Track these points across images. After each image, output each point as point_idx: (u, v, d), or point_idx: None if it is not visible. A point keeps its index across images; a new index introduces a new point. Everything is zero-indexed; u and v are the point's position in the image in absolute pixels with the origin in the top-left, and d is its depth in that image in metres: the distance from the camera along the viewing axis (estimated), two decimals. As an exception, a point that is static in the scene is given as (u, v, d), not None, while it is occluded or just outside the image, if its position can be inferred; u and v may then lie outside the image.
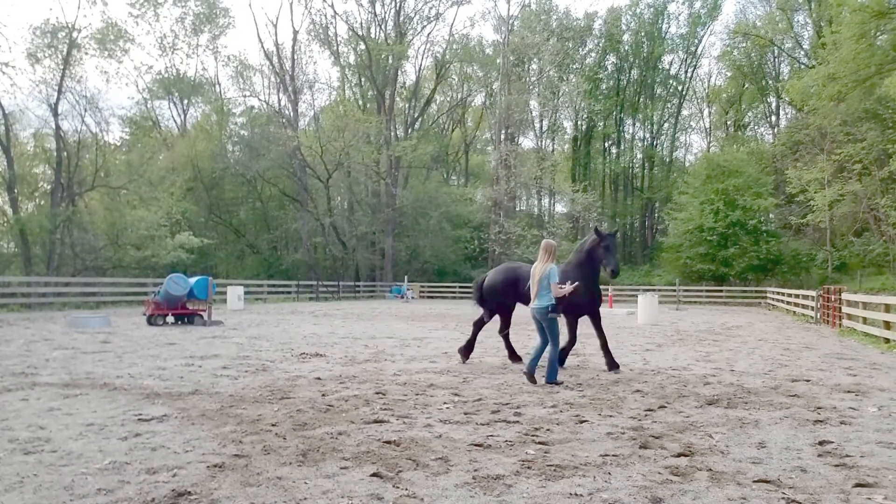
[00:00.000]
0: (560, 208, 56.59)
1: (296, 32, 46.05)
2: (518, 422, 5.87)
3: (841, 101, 30.86)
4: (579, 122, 57.66)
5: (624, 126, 58.13)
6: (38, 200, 35.07)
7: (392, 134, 47.79)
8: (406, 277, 42.14)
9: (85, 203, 33.42)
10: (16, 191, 31.04)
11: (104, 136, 37.19)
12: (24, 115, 33.91)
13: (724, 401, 6.96)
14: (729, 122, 56.52)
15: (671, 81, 57.23)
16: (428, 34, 58.33)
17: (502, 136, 49.02)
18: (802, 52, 47.57)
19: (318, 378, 8.27)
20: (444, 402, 6.73)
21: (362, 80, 51.14)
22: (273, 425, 5.61)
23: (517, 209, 53.70)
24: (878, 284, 28.35)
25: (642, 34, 55.62)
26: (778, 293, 29.96)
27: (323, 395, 7.11)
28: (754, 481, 4.18)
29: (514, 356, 9.94)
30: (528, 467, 4.44)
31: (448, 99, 56.90)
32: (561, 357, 9.06)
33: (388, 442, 5.07)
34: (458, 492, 3.93)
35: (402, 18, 47.24)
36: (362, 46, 47.14)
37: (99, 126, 35.53)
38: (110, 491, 3.88)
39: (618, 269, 8.90)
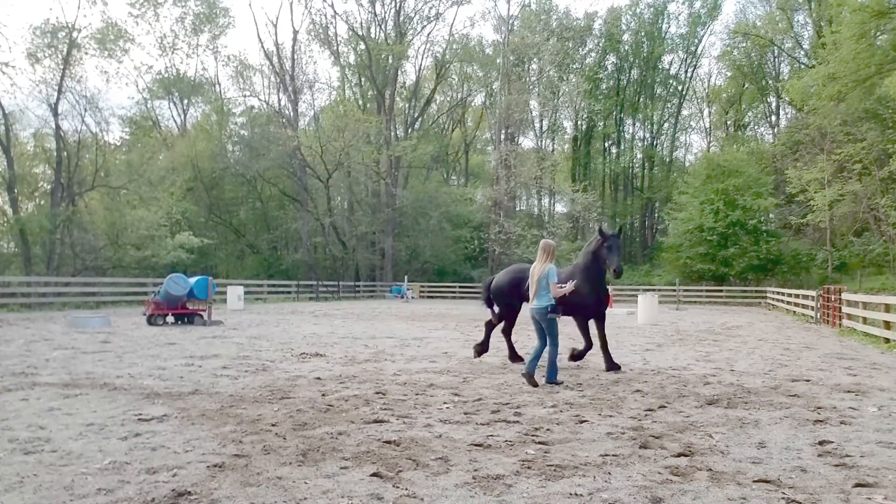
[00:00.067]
0: (560, 208, 56.68)
1: (296, 32, 46.11)
2: (518, 422, 5.87)
3: (841, 100, 30.86)
4: (579, 122, 57.68)
5: (624, 126, 58.15)
6: (38, 200, 35.07)
7: (392, 134, 47.79)
8: (406, 277, 42.15)
9: (85, 203, 33.42)
10: (16, 191, 31.04)
11: (104, 135, 37.27)
12: (24, 115, 33.98)
13: (724, 401, 6.96)
14: (729, 122, 56.53)
15: (671, 81, 57.25)
16: (428, 34, 58.44)
17: (502, 136, 49.03)
18: (802, 52, 47.59)
19: (318, 378, 8.27)
20: (444, 402, 6.73)
21: (362, 79, 51.15)
22: (273, 425, 5.61)
23: (517, 209, 53.71)
24: (878, 284, 28.36)
25: (642, 34, 55.63)
26: (778, 293, 29.96)
27: (323, 395, 7.11)
28: (754, 481, 4.18)
29: (514, 356, 9.94)
30: (528, 467, 4.44)
31: (448, 99, 56.92)
32: (577, 355, 9.28)
33: (388, 442, 5.07)
34: (458, 492, 3.93)
35: (402, 18, 47.25)
36: (362, 46, 47.16)
37: (99, 126, 35.61)
38: (110, 491, 3.88)
39: (621, 268, 8.90)
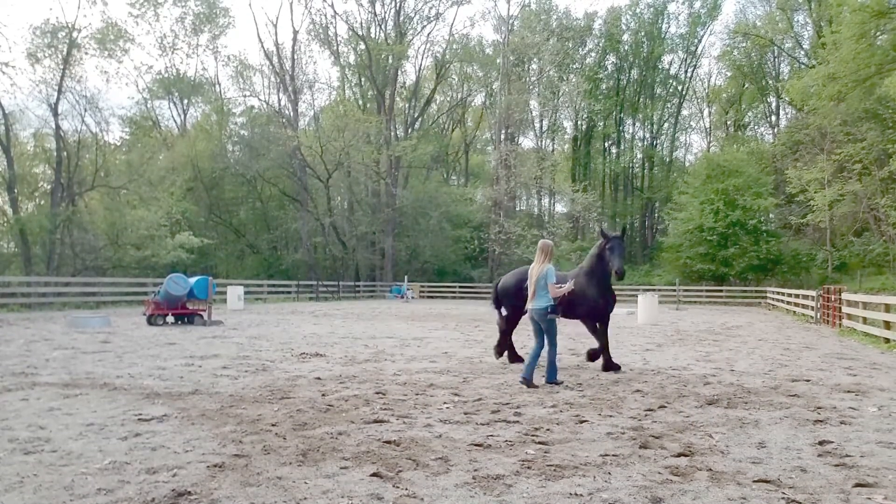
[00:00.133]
0: (560, 208, 56.71)
1: (296, 32, 46.11)
2: (518, 422, 5.87)
3: (841, 100, 30.85)
4: (579, 122, 57.69)
5: (624, 126, 58.16)
6: (38, 200, 35.07)
7: (392, 134, 47.79)
8: (406, 277, 42.14)
9: (85, 203, 33.42)
10: (16, 191, 31.04)
11: (104, 135, 37.28)
12: (24, 115, 33.97)
13: (724, 401, 6.96)
14: (729, 122, 56.54)
15: (671, 81, 57.24)
16: (428, 34, 58.45)
17: (502, 136, 49.03)
18: (802, 52, 47.58)
19: (318, 378, 8.27)
20: (444, 402, 6.73)
21: (362, 79, 51.15)
22: (273, 425, 5.61)
23: (517, 209, 53.71)
24: (878, 284, 28.36)
25: (642, 34, 55.62)
26: (778, 293, 29.96)
27: (323, 394, 7.11)
28: (754, 481, 4.18)
29: (514, 356, 9.95)
30: (528, 467, 4.44)
31: (448, 99, 56.92)
32: (597, 354, 9.28)
33: (388, 442, 5.07)
34: (458, 492, 3.93)
35: (402, 18, 47.25)
36: (362, 46, 47.15)
37: (99, 126, 35.62)
38: (110, 491, 3.88)
39: (623, 270, 8.89)
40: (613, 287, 9.60)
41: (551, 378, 7.91)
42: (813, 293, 21.55)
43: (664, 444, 5.12)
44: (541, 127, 56.87)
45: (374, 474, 4.22)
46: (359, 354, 10.88)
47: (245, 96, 50.60)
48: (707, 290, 36.52)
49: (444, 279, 46.12)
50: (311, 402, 6.63)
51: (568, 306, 9.27)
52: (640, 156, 58.43)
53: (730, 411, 6.43)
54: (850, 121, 32.84)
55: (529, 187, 52.94)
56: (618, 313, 23.84)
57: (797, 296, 25.02)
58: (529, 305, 7.98)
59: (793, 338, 15.13)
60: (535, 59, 50.72)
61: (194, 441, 5.05)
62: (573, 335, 13.73)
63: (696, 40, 55.55)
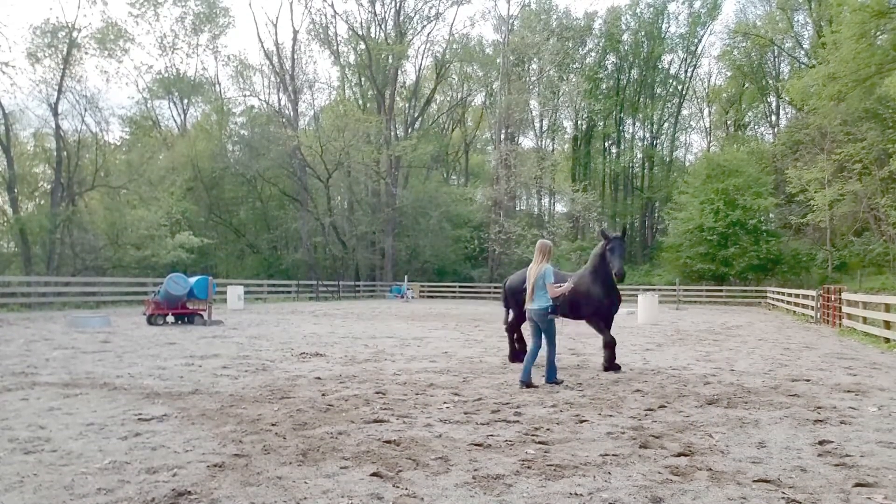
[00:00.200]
0: (560, 208, 56.71)
1: (296, 32, 46.10)
2: (518, 421, 5.87)
3: (841, 100, 30.85)
4: (579, 122, 57.68)
5: (624, 126, 58.15)
6: (38, 200, 35.06)
7: (392, 134, 47.79)
8: (406, 277, 42.15)
9: (85, 203, 33.42)
10: (16, 190, 31.03)
11: (104, 135, 37.27)
12: (24, 115, 33.99)
13: (724, 400, 6.96)
14: (729, 122, 56.54)
15: (671, 81, 57.24)
16: (428, 34, 58.56)
17: (502, 136, 49.02)
18: (802, 52, 47.58)
19: (318, 378, 8.27)
20: (444, 402, 6.73)
21: (362, 79, 51.15)
22: (273, 425, 5.61)
23: (517, 209, 53.71)
24: (878, 284, 28.37)
25: (642, 34, 55.62)
26: (778, 293, 29.96)
27: (323, 394, 7.11)
28: (754, 481, 4.18)
29: (514, 356, 9.95)
30: (528, 467, 4.44)
31: (448, 99, 56.92)
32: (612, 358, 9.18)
33: (388, 441, 5.07)
34: (458, 491, 3.93)
35: (402, 18, 47.25)
36: (362, 46, 47.15)
37: (99, 126, 35.63)
38: (110, 490, 3.88)
39: (622, 271, 8.89)
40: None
41: (551, 378, 7.90)
42: (813, 293, 21.56)
43: (664, 443, 5.12)
44: (541, 127, 56.90)
45: (374, 474, 4.22)
46: (359, 354, 10.88)
47: (245, 96, 50.70)
48: (707, 290, 36.53)
49: (444, 279, 46.13)
50: (311, 402, 6.63)
51: (573, 306, 9.28)
52: (640, 156, 58.45)
53: (730, 411, 6.43)
54: (850, 120, 32.84)
55: (529, 187, 52.94)
56: (618, 313, 23.89)
57: (797, 295, 25.02)
58: (528, 306, 7.96)
59: (793, 337, 15.13)
60: (535, 59, 50.71)
61: (194, 441, 5.05)
62: (573, 335, 13.73)
63: (696, 40, 55.58)
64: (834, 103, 31.43)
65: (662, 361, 10.36)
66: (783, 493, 3.96)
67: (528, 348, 8.07)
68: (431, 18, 48.38)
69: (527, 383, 7.67)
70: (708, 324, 19.77)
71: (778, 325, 19.81)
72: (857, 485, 4.13)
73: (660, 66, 56.59)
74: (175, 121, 48.42)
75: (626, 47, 56.62)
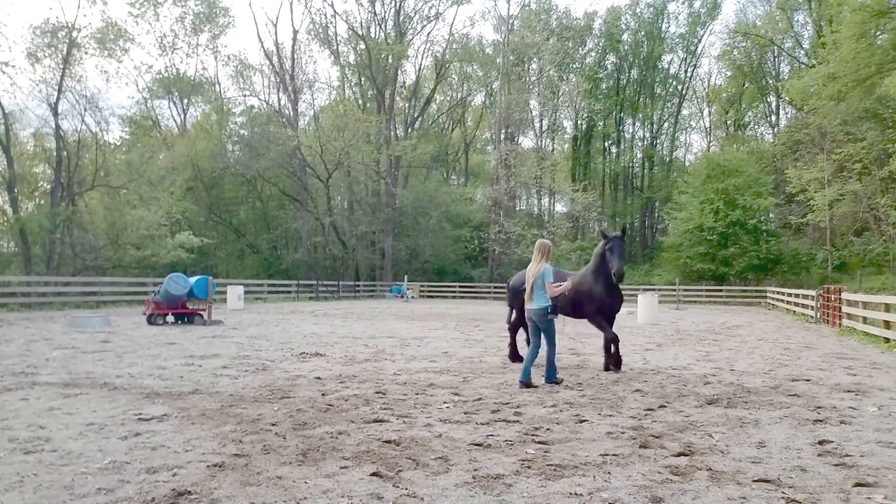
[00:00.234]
0: (560, 208, 56.70)
1: (296, 32, 46.09)
2: (518, 421, 5.87)
3: (841, 100, 30.85)
4: (579, 122, 57.68)
5: (624, 126, 58.16)
6: (38, 200, 35.05)
7: (392, 133, 47.78)
8: (406, 277, 42.14)
9: (85, 203, 33.41)
10: (16, 190, 31.02)
11: (104, 135, 37.25)
12: (24, 115, 33.96)
13: (724, 400, 6.96)
14: (729, 122, 56.53)
15: (671, 81, 57.24)
16: (428, 34, 58.60)
17: (502, 136, 49.02)
18: (802, 52, 47.57)
19: (318, 377, 8.27)
20: (444, 402, 6.73)
21: (362, 79, 51.14)
22: (273, 425, 5.61)
23: (517, 209, 53.70)
24: (878, 284, 28.37)
25: (642, 34, 55.62)
26: (778, 293, 29.97)
27: (323, 394, 7.11)
28: (754, 481, 4.18)
29: (515, 356, 9.95)
30: (528, 467, 4.44)
31: (448, 98, 56.91)
32: (617, 357, 9.12)
33: (388, 441, 5.07)
34: (458, 491, 3.93)
35: (401, 18, 47.23)
36: (362, 46, 47.14)
37: (99, 125, 35.60)
38: (110, 490, 3.88)
39: (621, 272, 8.86)
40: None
41: (550, 378, 7.89)
42: (813, 293, 21.56)
43: (664, 443, 5.12)
44: (541, 127, 56.89)
45: (374, 474, 4.22)
46: (359, 354, 10.88)
47: (245, 96, 50.68)
48: (707, 290, 36.53)
49: (443, 279, 46.13)
50: (311, 402, 6.63)
51: (575, 305, 9.27)
52: (640, 155, 58.45)
53: (730, 411, 6.43)
54: (850, 120, 32.85)
55: (529, 187, 52.92)
56: (619, 312, 23.90)
57: (797, 295, 25.02)
58: (527, 306, 7.94)
59: (793, 337, 15.13)
60: (535, 59, 50.70)
61: (194, 441, 5.05)
62: (573, 335, 13.73)
63: (696, 40, 55.57)
64: (834, 103, 31.43)
65: (662, 361, 10.36)
66: (783, 493, 3.96)
67: (527, 353, 8.01)
68: (431, 18, 48.43)
69: (526, 384, 7.66)
70: (708, 324, 19.77)
71: (778, 324, 19.81)
72: (857, 485, 4.13)
73: (660, 66, 56.59)
74: (175, 121, 48.48)
75: (625, 47, 56.62)
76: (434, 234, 46.12)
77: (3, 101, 29.80)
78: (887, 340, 13.09)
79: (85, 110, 33.01)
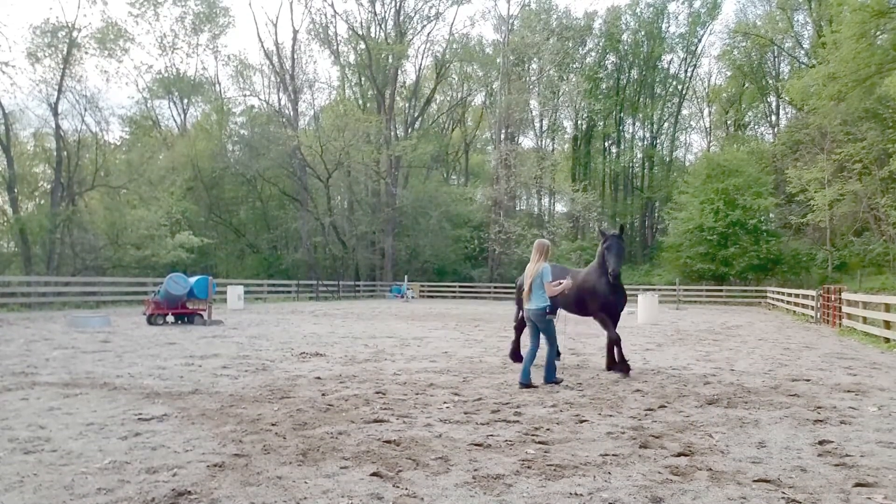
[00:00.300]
0: (560, 208, 56.70)
1: (296, 32, 46.09)
2: (518, 421, 5.87)
3: (841, 100, 30.85)
4: (579, 122, 57.69)
5: (624, 126, 58.16)
6: (38, 200, 35.05)
7: (392, 133, 47.78)
8: (406, 277, 42.14)
9: (85, 203, 33.41)
10: (16, 190, 31.02)
11: (104, 135, 37.24)
12: (24, 115, 33.94)
13: (724, 400, 6.96)
14: (729, 122, 56.53)
15: (671, 81, 57.23)
16: (428, 34, 58.51)
17: (502, 136, 49.02)
18: (802, 52, 47.57)
19: (318, 377, 8.27)
20: (444, 402, 6.73)
21: (362, 79, 51.14)
22: (273, 425, 5.61)
23: (517, 209, 53.71)
24: (878, 284, 28.36)
25: (642, 34, 55.62)
26: (778, 293, 29.97)
27: (323, 394, 7.11)
28: (754, 481, 4.18)
29: (516, 355, 9.94)
30: (528, 467, 4.44)
31: (448, 98, 56.91)
32: (623, 363, 8.91)
33: (388, 441, 5.07)
34: (458, 491, 3.93)
35: (402, 18, 47.23)
36: (362, 46, 47.14)
37: (99, 125, 35.59)
38: (110, 490, 3.88)
39: (617, 271, 8.80)
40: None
41: (550, 378, 7.89)
42: (813, 293, 21.56)
43: (664, 443, 5.12)
44: (541, 127, 56.90)
45: (374, 474, 4.22)
46: (359, 354, 10.88)
47: (245, 96, 50.69)
48: (707, 290, 36.53)
49: (444, 279, 46.13)
50: (311, 402, 6.63)
51: (579, 303, 9.25)
52: (640, 155, 58.44)
53: (730, 411, 6.43)
54: (850, 120, 32.84)
55: (529, 187, 52.92)
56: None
57: (797, 295, 25.02)
58: (526, 306, 7.93)
59: (793, 337, 15.13)
60: (535, 59, 50.70)
61: (194, 441, 5.05)
62: (573, 335, 13.72)
63: (696, 40, 55.57)
64: (834, 103, 31.43)
65: (662, 361, 10.36)
66: (783, 493, 3.96)
67: (526, 354, 7.97)
68: (431, 18, 48.42)
69: (526, 384, 7.66)
70: (708, 324, 19.77)
71: (778, 324, 19.81)
72: (857, 485, 4.13)
73: (660, 66, 56.59)
74: (175, 121, 48.49)
75: (625, 47, 56.61)
76: (434, 234, 46.12)
77: (4, 101, 29.84)
78: (887, 340, 13.10)
79: (85, 110, 33.06)
